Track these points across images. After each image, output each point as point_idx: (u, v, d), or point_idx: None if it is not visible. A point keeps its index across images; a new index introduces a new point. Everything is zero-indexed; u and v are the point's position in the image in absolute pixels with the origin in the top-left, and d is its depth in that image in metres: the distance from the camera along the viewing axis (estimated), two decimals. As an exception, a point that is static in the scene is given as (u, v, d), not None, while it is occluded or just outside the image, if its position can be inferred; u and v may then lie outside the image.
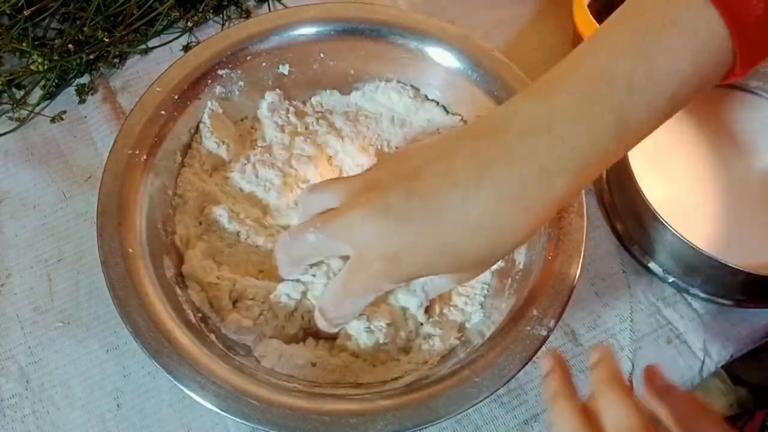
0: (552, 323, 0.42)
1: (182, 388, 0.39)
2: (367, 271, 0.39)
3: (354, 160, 0.52)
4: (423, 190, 0.37)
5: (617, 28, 0.36)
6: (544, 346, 0.41)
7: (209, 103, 0.51)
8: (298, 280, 0.46)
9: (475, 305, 0.48)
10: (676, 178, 0.53)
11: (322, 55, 0.54)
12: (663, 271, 0.52)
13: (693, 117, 0.56)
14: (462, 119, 0.54)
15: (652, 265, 0.52)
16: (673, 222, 0.47)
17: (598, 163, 0.36)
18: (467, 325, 0.47)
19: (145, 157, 0.47)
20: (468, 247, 0.38)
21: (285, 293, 0.45)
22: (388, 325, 0.44)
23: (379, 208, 0.38)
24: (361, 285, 0.40)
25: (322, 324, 0.44)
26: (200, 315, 0.45)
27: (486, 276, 0.49)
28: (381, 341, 0.44)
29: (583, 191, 0.46)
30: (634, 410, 0.33)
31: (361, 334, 0.45)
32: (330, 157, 0.53)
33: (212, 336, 0.44)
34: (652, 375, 0.38)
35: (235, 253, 0.48)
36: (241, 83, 0.52)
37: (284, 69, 0.53)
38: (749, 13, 0.33)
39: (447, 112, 0.54)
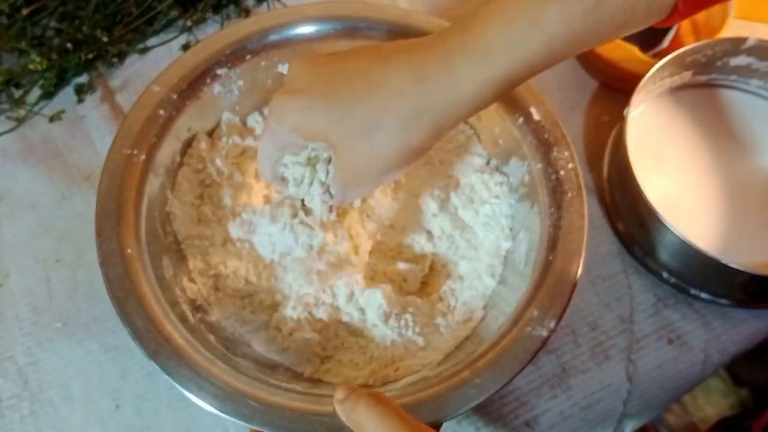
0: (553, 324, 0.41)
1: (181, 389, 0.39)
2: (271, 102, 0.41)
3: None
4: (347, 54, 0.40)
5: None
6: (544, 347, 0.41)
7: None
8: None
9: (476, 305, 0.47)
10: (677, 179, 0.53)
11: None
12: (664, 271, 0.51)
13: (694, 117, 0.56)
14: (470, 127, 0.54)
15: (652, 265, 0.52)
16: (673, 222, 0.47)
17: (505, 57, 0.36)
18: (469, 325, 0.47)
19: (143, 157, 0.46)
20: (357, 102, 0.38)
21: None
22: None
23: (310, 58, 0.41)
24: (266, 122, 0.42)
25: (266, 177, 0.45)
26: (199, 316, 0.45)
27: (486, 276, 0.49)
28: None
29: (585, 194, 0.46)
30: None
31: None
32: None
33: (211, 337, 0.44)
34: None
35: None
36: (240, 82, 0.52)
37: (283, 68, 0.53)
38: None
39: None
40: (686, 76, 0.56)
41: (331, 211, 0.45)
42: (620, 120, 0.53)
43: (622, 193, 0.53)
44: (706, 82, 0.57)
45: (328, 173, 0.43)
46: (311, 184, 0.44)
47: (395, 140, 0.39)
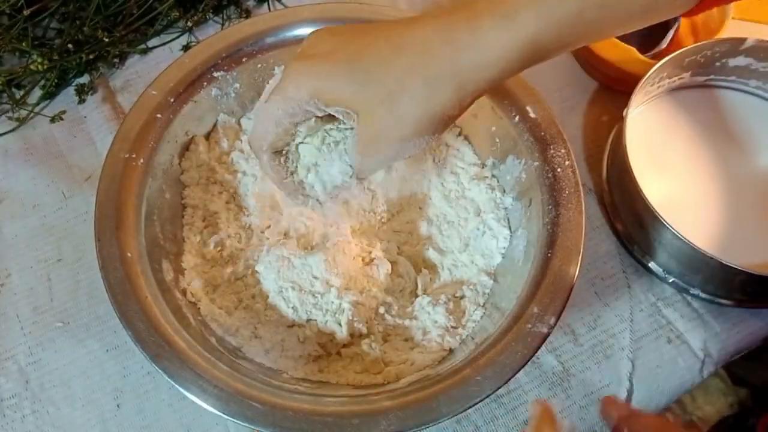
0: (553, 320, 0.42)
1: (183, 391, 0.39)
2: (287, 67, 0.39)
3: None
4: (369, 25, 0.39)
5: None
6: (544, 345, 0.41)
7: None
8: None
9: (476, 304, 0.48)
10: (676, 179, 0.53)
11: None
12: (663, 271, 0.52)
13: (693, 118, 0.56)
14: (460, 132, 0.54)
15: (652, 265, 0.52)
16: (673, 222, 0.47)
17: (532, 20, 0.35)
18: (468, 324, 0.47)
19: (142, 160, 0.47)
20: (380, 65, 0.37)
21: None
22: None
23: (331, 27, 0.40)
24: (278, 84, 0.39)
25: (262, 166, 0.43)
26: (200, 318, 0.45)
27: (484, 274, 0.49)
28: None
29: (582, 190, 0.46)
30: None
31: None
32: None
33: (213, 339, 0.44)
34: (610, 403, 0.41)
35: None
36: (237, 85, 0.52)
37: (280, 71, 0.53)
38: None
39: None
40: (685, 76, 0.56)
41: (340, 190, 0.44)
42: (619, 120, 0.53)
43: (622, 193, 0.53)
44: (705, 83, 0.57)
45: (343, 153, 0.42)
46: (316, 169, 0.43)
47: (420, 104, 0.37)
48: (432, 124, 0.38)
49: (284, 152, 0.43)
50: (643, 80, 0.51)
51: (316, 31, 0.40)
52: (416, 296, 0.48)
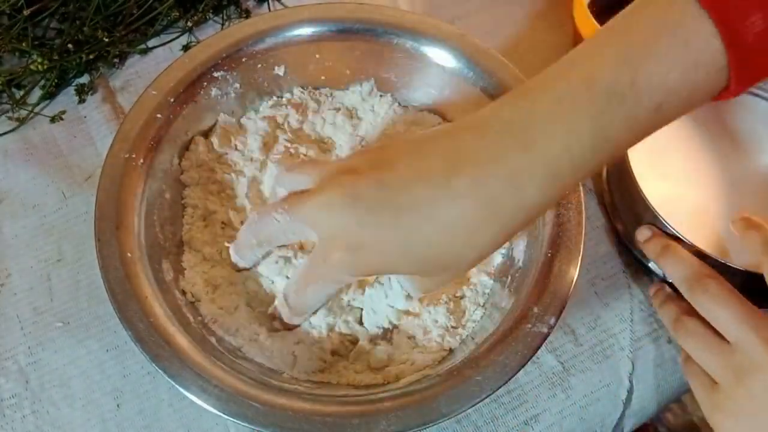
0: (553, 320, 0.42)
1: (183, 391, 0.39)
2: (329, 259, 0.38)
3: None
4: (394, 182, 0.36)
5: (609, 35, 0.35)
6: (544, 345, 0.41)
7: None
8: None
9: (476, 304, 0.48)
10: (676, 179, 0.53)
11: (317, 56, 0.53)
12: (663, 272, 0.52)
13: (693, 118, 0.56)
14: None
15: (652, 265, 0.52)
16: (673, 222, 0.47)
17: (573, 173, 0.35)
18: (468, 324, 0.47)
19: (142, 160, 0.47)
20: (432, 246, 0.36)
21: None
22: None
23: (348, 194, 0.36)
24: (322, 273, 0.39)
25: (284, 312, 0.43)
26: (200, 318, 0.45)
27: (484, 274, 0.49)
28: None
29: (582, 190, 0.46)
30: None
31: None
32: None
33: (213, 339, 0.44)
34: (646, 234, 0.48)
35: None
36: (237, 85, 0.52)
37: (280, 70, 0.53)
38: (747, 30, 0.31)
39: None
40: None
41: None
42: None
43: (622, 194, 0.53)
44: None
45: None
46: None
47: (475, 265, 0.39)
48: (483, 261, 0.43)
49: None
50: None
51: (333, 205, 0.37)
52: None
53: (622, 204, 0.53)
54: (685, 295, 0.44)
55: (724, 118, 0.56)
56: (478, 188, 0.35)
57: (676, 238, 0.47)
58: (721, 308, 0.42)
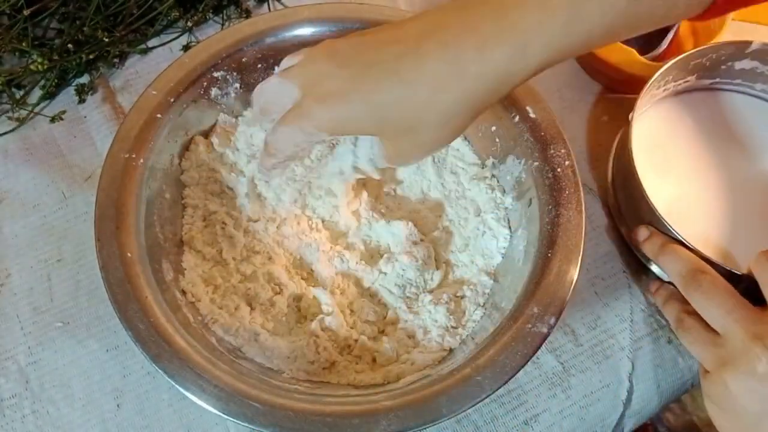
0: (553, 320, 0.42)
1: (183, 391, 0.39)
2: (302, 107, 0.40)
3: None
4: (370, 41, 0.39)
5: None
6: (544, 345, 0.41)
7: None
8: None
9: (476, 304, 0.48)
10: (681, 182, 0.53)
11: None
12: (662, 269, 0.51)
13: (698, 120, 0.56)
14: None
15: (654, 268, 0.52)
16: (676, 225, 0.47)
17: (542, 48, 0.36)
18: (468, 324, 0.47)
19: (141, 160, 0.47)
20: (394, 102, 0.38)
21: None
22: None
23: (328, 50, 0.40)
24: (294, 118, 0.40)
25: (263, 161, 0.44)
26: (200, 318, 0.45)
27: (484, 274, 0.49)
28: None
29: (582, 190, 0.46)
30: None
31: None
32: None
33: (213, 339, 0.44)
34: (645, 234, 0.48)
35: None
36: (237, 85, 0.52)
37: (278, 69, 0.53)
38: None
39: None
40: (691, 79, 0.56)
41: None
42: (621, 121, 0.53)
43: (626, 196, 0.53)
44: (710, 86, 0.57)
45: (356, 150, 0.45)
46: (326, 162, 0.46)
47: (439, 133, 0.40)
48: (451, 139, 0.41)
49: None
50: (649, 84, 0.51)
51: (313, 55, 0.40)
52: (421, 292, 0.48)
53: (626, 206, 0.53)
54: (682, 292, 0.45)
55: (729, 122, 0.56)
56: (444, 50, 0.37)
57: (680, 243, 0.47)
58: (713, 303, 0.43)
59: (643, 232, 0.49)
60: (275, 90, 0.42)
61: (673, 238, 0.47)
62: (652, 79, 0.51)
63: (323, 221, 0.51)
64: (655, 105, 0.56)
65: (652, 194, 0.48)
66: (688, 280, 0.44)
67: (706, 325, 0.44)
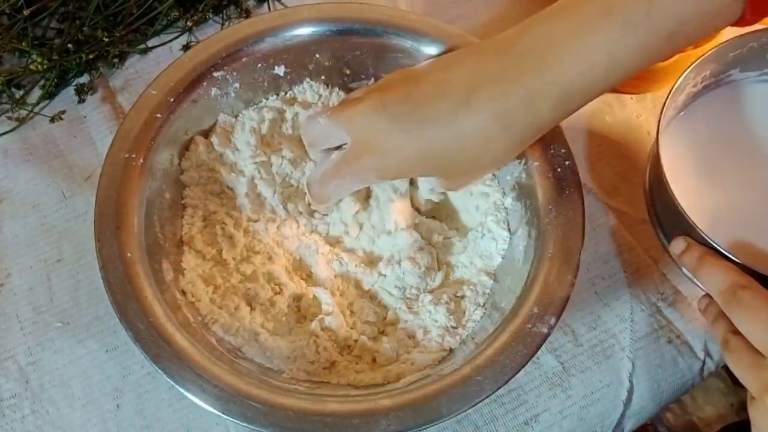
0: (553, 321, 0.42)
1: (183, 391, 0.39)
2: (358, 160, 0.43)
3: None
4: (418, 95, 0.41)
5: None
6: (544, 345, 0.41)
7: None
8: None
9: (476, 304, 0.48)
10: (725, 185, 0.48)
11: (317, 56, 0.53)
12: (702, 285, 0.45)
13: (744, 119, 0.50)
14: None
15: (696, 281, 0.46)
16: (719, 233, 0.43)
17: (583, 95, 0.39)
18: (468, 324, 0.47)
19: (141, 160, 0.47)
20: (451, 154, 0.41)
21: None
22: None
23: (378, 105, 0.41)
24: (349, 171, 0.43)
25: (308, 198, 0.48)
26: (200, 318, 0.45)
27: (484, 274, 0.49)
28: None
29: (582, 190, 0.46)
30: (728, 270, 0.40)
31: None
32: None
33: (213, 339, 0.44)
34: (681, 246, 0.44)
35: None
36: (237, 85, 0.52)
37: (279, 70, 0.53)
38: None
39: None
40: (732, 73, 0.50)
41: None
42: (622, 121, 0.52)
43: (662, 207, 0.48)
44: (753, 79, 0.51)
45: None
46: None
47: (490, 169, 0.47)
48: (499, 168, 0.49)
49: None
50: (680, 80, 0.46)
51: (365, 110, 0.42)
52: (421, 293, 0.48)
53: (664, 217, 0.48)
54: (724, 310, 0.41)
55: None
56: (494, 104, 0.40)
57: (721, 254, 0.42)
58: (755, 319, 0.39)
59: (680, 244, 0.44)
60: (323, 130, 0.45)
61: (713, 249, 0.42)
62: (683, 76, 0.46)
63: (327, 233, 0.51)
64: (690, 104, 0.50)
65: (691, 202, 0.43)
66: (728, 295, 0.40)
67: (752, 347, 0.39)
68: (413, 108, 0.41)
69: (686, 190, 0.45)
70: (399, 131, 0.41)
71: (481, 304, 0.48)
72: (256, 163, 0.51)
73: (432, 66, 0.43)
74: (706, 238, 0.42)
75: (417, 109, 0.41)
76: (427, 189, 0.50)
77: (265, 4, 0.65)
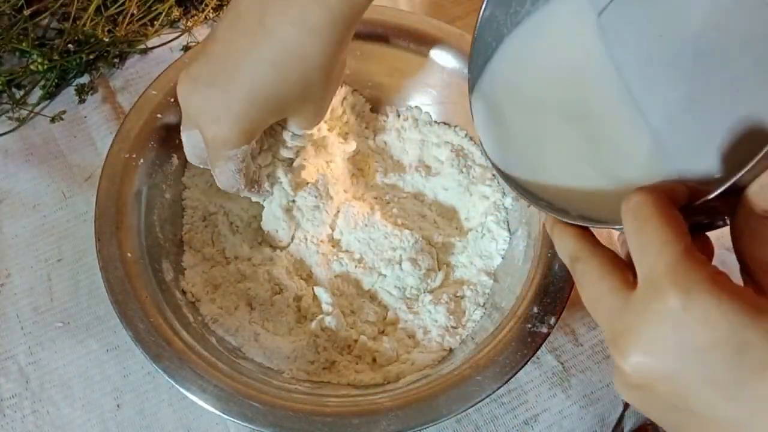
0: (553, 321, 0.42)
1: (183, 391, 0.39)
2: (209, 141, 0.41)
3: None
4: (216, 49, 0.39)
5: None
6: (544, 345, 0.41)
7: None
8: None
9: (476, 304, 0.48)
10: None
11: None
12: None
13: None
14: (467, 134, 0.54)
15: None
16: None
17: None
18: (468, 324, 0.47)
19: (142, 160, 0.47)
20: (276, 85, 0.39)
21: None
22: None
23: (187, 81, 0.40)
24: (212, 154, 0.41)
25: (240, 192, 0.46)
26: (200, 318, 0.45)
27: (484, 274, 0.49)
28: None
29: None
30: None
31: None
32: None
33: (213, 339, 0.44)
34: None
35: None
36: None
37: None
38: None
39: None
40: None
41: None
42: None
43: None
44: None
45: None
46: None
47: (326, 83, 0.41)
48: (338, 83, 0.44)
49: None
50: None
51: (183, 96, 0.41)
52: (421, 293, 0.48)
53: None
54: None
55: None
56: (287, 16, 0.37)
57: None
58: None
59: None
60: (189, 144, 0.44)
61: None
62: None
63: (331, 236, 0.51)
64: None
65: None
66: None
67: None
68: (217, 62, 0.39)
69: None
70: (218, 93, 0.39)
71: (481, 304, 0.48)
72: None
73: (223, 18, 0.41)
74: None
75: (221, 61, 0.39)
76: (288, 137, 0.46)
77: (266, 4, 0.65)
